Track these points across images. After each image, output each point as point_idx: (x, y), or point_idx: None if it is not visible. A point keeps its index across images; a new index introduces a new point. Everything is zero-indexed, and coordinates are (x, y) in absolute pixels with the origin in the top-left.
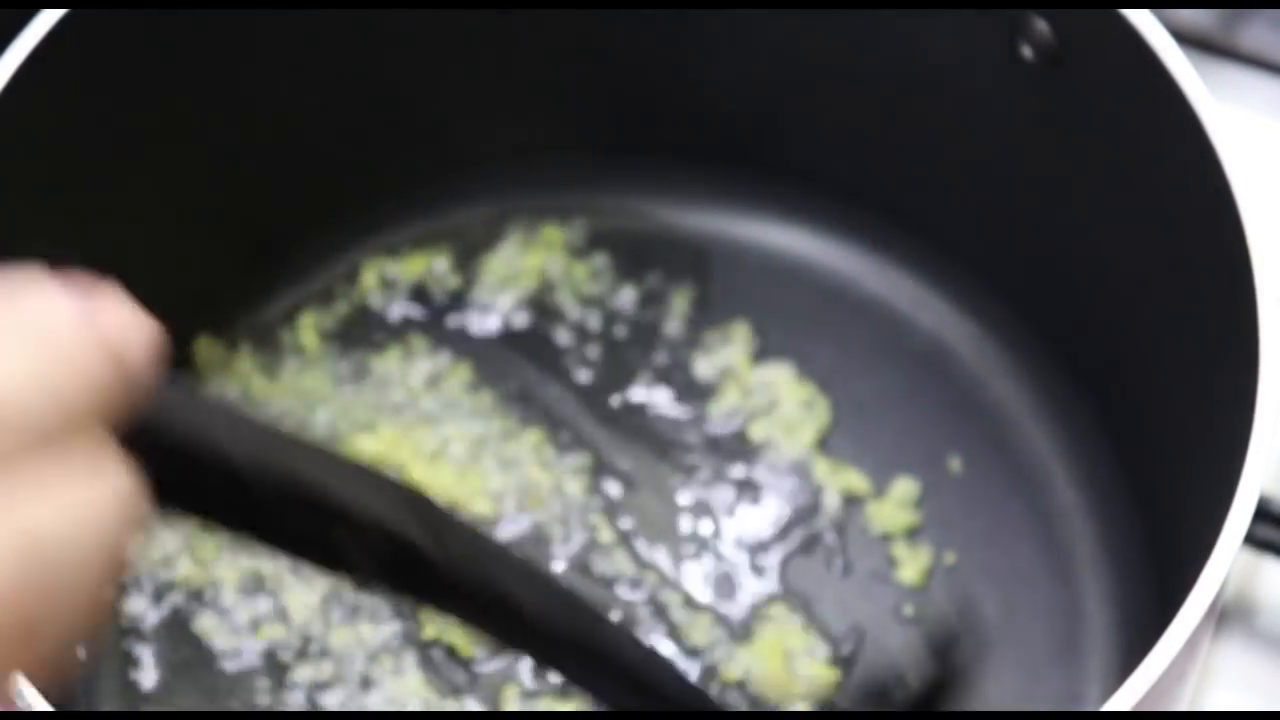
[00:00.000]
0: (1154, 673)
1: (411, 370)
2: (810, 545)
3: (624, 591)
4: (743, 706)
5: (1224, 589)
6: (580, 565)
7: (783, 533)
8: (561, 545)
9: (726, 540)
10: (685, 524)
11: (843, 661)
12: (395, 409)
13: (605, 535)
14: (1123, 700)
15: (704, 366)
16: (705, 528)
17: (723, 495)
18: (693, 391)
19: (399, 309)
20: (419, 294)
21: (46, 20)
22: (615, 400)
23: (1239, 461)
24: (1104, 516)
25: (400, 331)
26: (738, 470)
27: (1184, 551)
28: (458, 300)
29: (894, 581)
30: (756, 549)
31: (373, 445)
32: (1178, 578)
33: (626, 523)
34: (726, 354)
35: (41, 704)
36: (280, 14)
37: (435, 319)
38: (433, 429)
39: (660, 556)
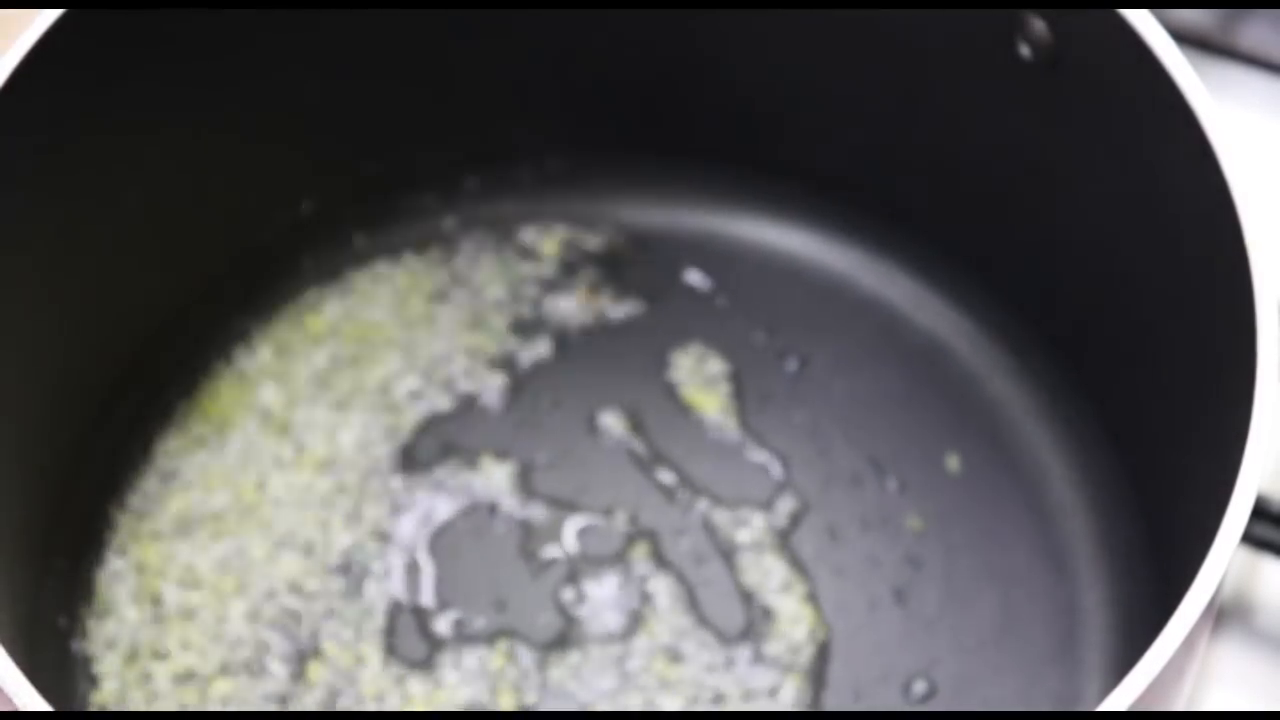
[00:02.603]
0: (1152, 671)
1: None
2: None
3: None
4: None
5: (1222, 588)
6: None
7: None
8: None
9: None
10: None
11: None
12: None
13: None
14: (1120, 699)
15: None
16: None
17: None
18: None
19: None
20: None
21: (46, 20)
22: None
23: (1237, 460)
24: (1102, 515)
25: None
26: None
27: (1182, 550)
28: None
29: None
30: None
31: None
32: (1176, 576)
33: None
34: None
35: (41, 704)
36: (282, 14)
37: None
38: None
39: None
